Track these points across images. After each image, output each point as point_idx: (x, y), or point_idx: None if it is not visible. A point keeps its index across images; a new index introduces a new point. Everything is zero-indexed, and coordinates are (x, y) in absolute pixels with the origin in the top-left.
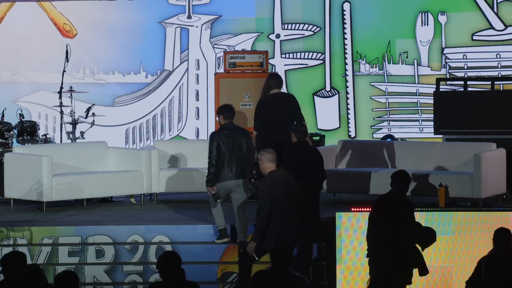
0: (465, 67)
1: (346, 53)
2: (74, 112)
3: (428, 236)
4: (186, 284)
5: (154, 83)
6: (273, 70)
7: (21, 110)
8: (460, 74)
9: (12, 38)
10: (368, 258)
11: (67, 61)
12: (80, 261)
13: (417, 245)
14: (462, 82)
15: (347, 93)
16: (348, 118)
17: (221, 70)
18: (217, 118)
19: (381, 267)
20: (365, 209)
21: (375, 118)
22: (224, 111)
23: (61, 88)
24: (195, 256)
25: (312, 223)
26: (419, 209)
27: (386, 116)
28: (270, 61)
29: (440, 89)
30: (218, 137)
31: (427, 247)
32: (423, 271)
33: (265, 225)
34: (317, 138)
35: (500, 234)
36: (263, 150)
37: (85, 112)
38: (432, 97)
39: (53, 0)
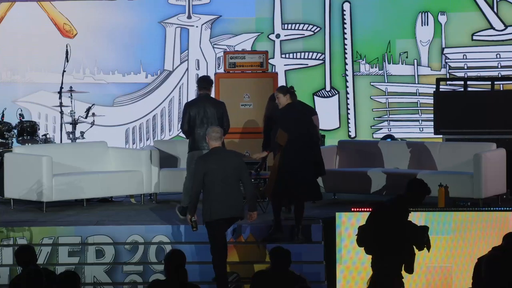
0: (465, 67)
1: (346, 53)
2: (74, 112)
3: (422, 234)
4: (188, 285)
5: (154, 83)
6: (273, 70)
7: (21, 110)
8: (460, 74)
9: (12, 38)
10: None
11: (67, 61)
12: (80, 261)
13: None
14: (462, 82)
15: (347, 93)
16: (348, 118)
17: (221, 70)
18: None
19: (384, 267)
20: (365, 209)
21: (375, 118)
22: (198, 81)
23: (61, 88)
24: (195, 256)
25: (305, 184)
26: (419, 209)
27: (386, 116)
28: (270, 61)
29: (440, 89)
30: (190, 108)
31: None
32: (410, 269)
33: (196, 198)
34: None
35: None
36: (210, 128)
37: (85, 112)
38: (432, 97)
39: (53, 0)
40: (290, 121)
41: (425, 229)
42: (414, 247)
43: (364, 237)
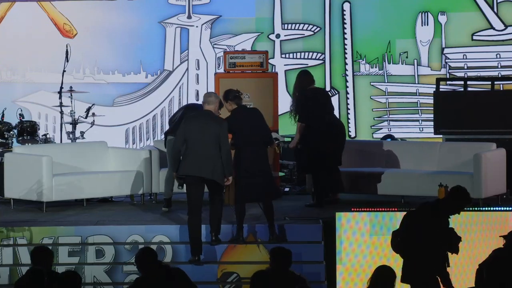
0: (465, 67)
1: (346, 53)
2: (74, 112)
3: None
4: (171, 271)
5: (154, 83)
6: (273, 70)
7: (21, 110)
8: (460, 74)
9: (12, 38)
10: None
11: (67, 61)
12: (80, 261)
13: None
14: (462, 82)
15: (347, 93)
16: (348, 118)
17: (221, 70)
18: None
19: (419, 271)
20: (365, 209)
21: (375, 118)
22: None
23: (61, 88)
24: None
25: (272, 182)
26: None
27: (386, 116)
28: (270, 61)
29: (440, 89)
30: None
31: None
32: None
33: (177, 155)
34: None
35: None
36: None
37: (85, 112)
38: (432, 97)
39: (53, 0)
40: (240, 126)
41: (453, 231)
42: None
43: (398, 242)
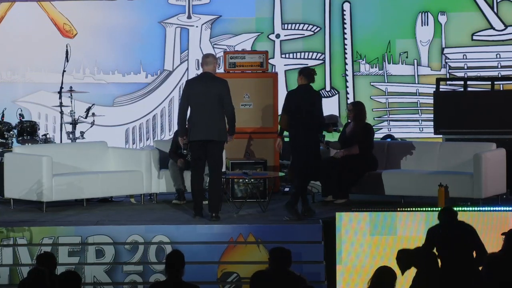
0: (465, 67)
1: (346, 53)
2: (74, 112)
3: None
4: (185, 285)
5: (154, 83)
6: (273, 70)
7: (21, 110)
8: (460, 74)
9: (12, 38)
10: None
11: (67, 61)
12: (80, 261)
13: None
14: (462, 82)
15: (347, 93)
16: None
17: (221, 70)
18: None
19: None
20: (366, 209)
21: (375, 118)
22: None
23: (61, 88)
24: (195, 256)
25: (310, 167)
26: (419, 209)
27: (386, 116)
28: (270, 61)
29: (440, 89)
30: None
31: None
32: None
33: (182, 119)
34: None
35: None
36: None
37: (85, 112)
38: (432, 97)
39: (53, 0)
40: (290, 105)
41: None
42: None
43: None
